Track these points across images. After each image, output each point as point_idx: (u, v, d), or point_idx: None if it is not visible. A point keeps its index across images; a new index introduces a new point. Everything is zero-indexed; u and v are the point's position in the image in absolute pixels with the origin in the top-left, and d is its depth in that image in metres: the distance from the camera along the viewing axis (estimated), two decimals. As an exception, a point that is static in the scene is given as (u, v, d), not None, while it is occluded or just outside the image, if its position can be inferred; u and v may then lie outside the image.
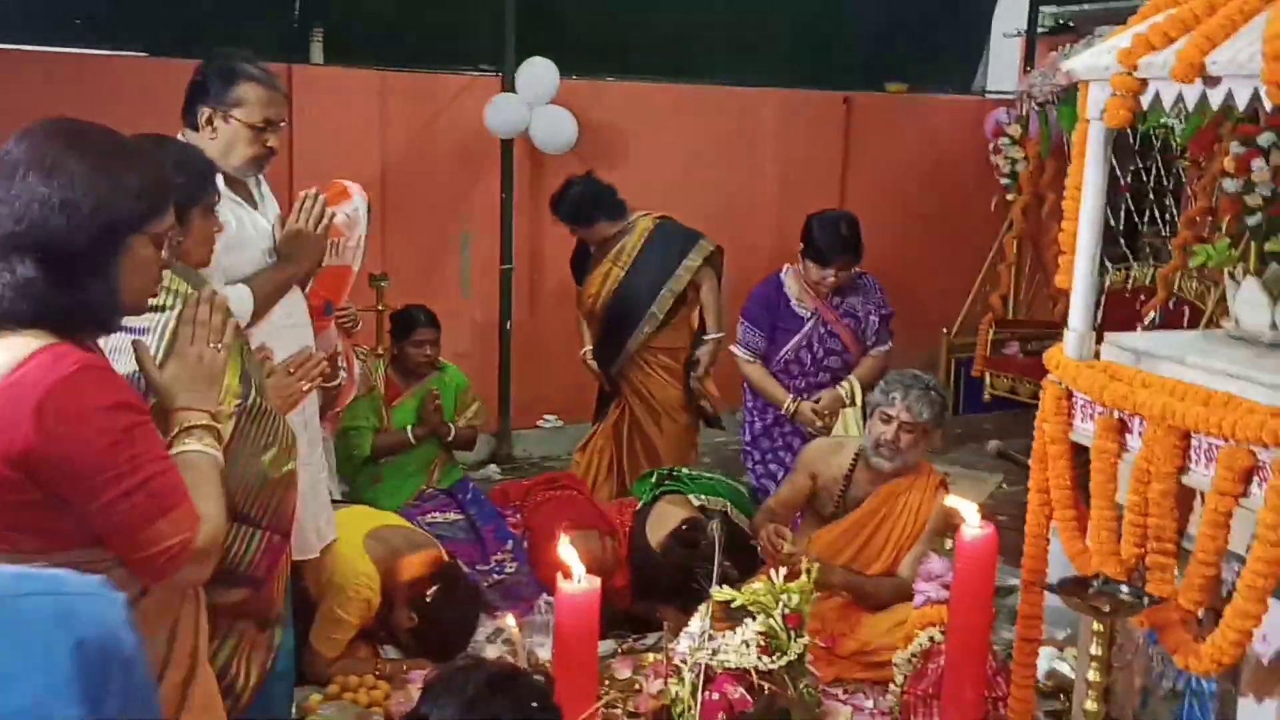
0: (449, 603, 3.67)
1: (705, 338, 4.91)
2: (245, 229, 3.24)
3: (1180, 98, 2.25)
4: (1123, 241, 7.05)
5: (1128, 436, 2.39)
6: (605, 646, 3.85)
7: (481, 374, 6.20)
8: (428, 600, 3.67)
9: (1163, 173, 7.02)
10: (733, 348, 4.74)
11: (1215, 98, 2.17)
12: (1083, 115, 2.49)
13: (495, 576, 4.09)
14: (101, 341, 1.96)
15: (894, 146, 7.27)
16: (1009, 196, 6.96)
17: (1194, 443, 2.24)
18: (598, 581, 2.67)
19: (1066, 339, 2.59)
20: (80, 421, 1.69)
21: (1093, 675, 2.22)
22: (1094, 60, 2.41)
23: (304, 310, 3.48)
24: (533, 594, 4.03)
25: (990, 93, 7.91)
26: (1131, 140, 6.68)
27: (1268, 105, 2.02)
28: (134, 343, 2.02)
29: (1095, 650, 2.22)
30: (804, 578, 3.41)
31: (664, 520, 4.15)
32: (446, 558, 3.82)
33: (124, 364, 2.08)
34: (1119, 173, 6.58)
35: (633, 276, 4.85)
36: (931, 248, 7.17)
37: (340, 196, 3.81)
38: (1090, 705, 2.24)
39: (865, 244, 4.62)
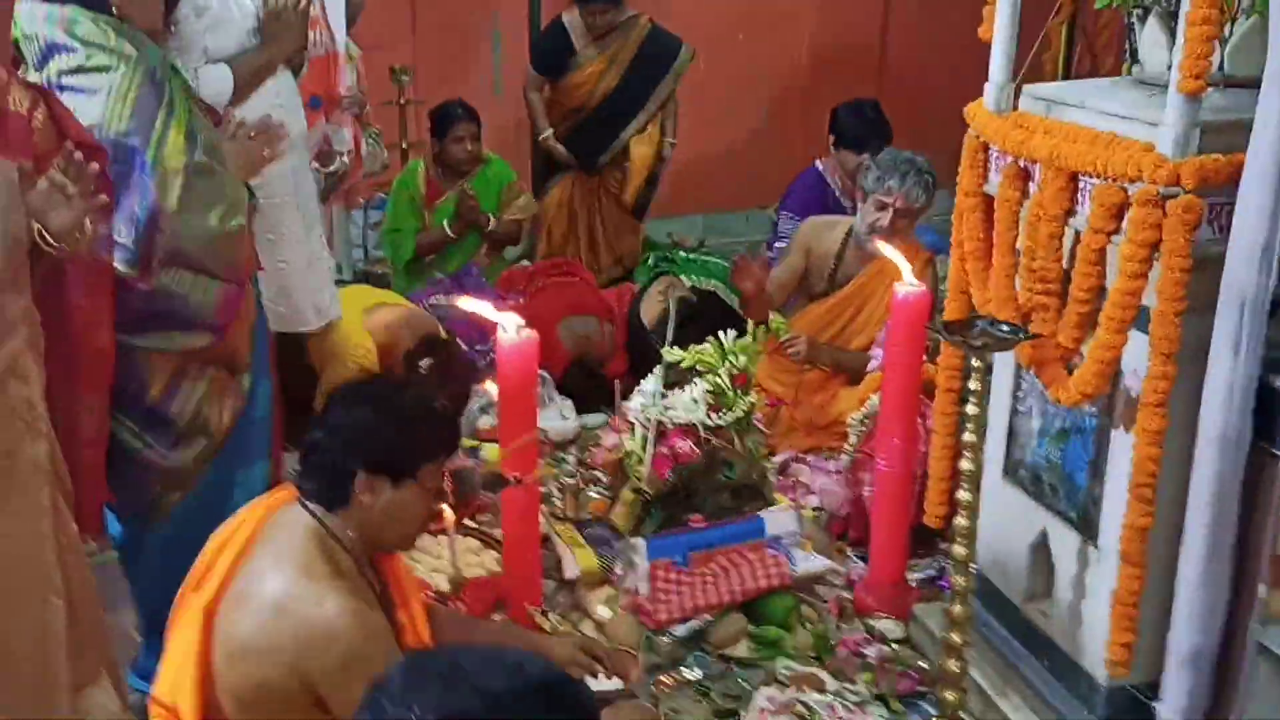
0: (442, 374, 3.89)
1: (667, 140, 5.27)
2: (228, 9, 3.31)
3: None
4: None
5: (1030, 185, 2.44)
6: (597, 419, 4.07)
7: (516, 171, 6.35)
8: (422, 371, 3.90)
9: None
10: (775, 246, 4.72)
11: None
12: None
13: (492, 356, 4.28)
14: None
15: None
16: (1057, -19, 6.70)
17: (1081, 185, 2.28)
18: (535, 335, 2.82)
19: (986, 91, 2.61)
20: None
21: (970, 409, 2.34)
22: None
23: (293, 92, 3.60)
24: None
25: None
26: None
27: None
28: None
29: (973, 385, 2.33)
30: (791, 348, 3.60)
31: (655, 302, 4.30)
32: (443, 334, 4.03)
33: None
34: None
35: (629, 75, 5.00)
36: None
37: None
38: (969, 437, 2.36)
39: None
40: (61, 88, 2.59)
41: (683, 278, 4.44)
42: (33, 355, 2.10)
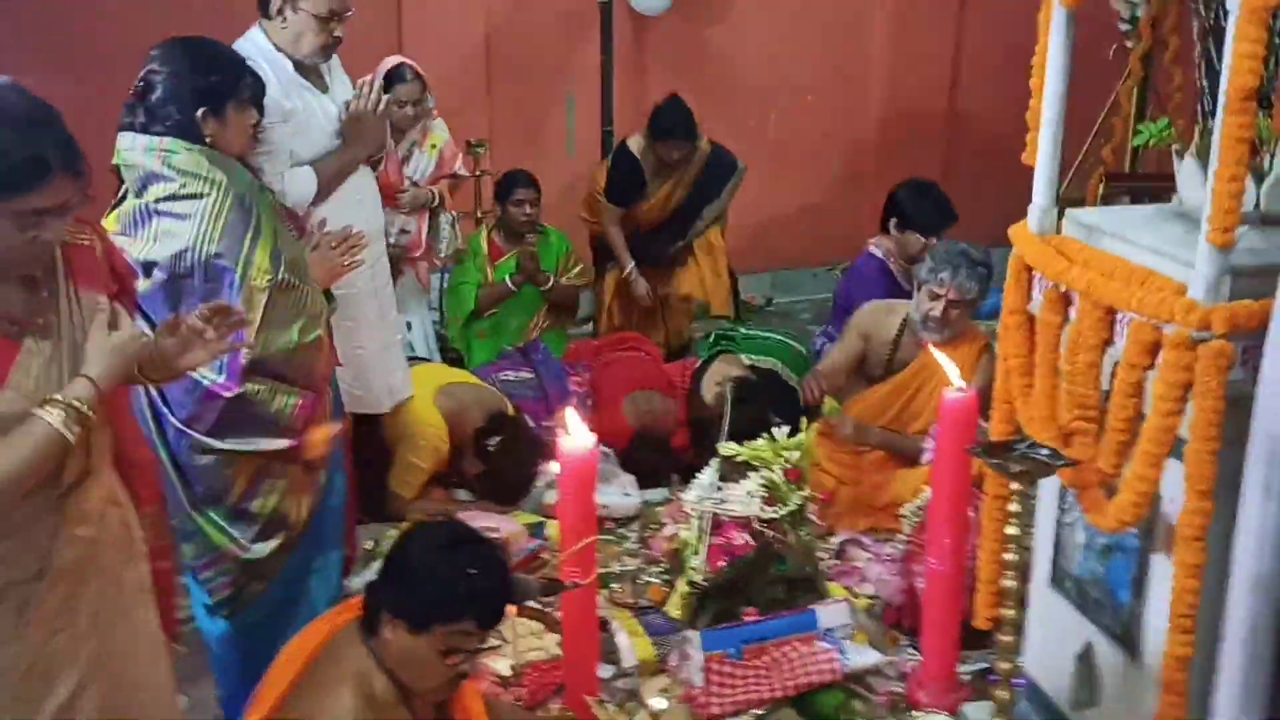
0: (511, 451, 4.05)
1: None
2: (313, 114, 3.54)
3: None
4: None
5: (1070, 309, 2.51)
6: (659, 494, 4.19)
7: (585, 231, 6.53)
8: (490, 449, 4.06)
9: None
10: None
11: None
12: (1046, -6, 2.56)
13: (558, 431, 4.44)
14: None
15: (1011, -2, 7.08)
16: (1128, 44, 6.71)
17: (1120, 317, 2.35)
18: (594, 440, 2.93)
19: (1030, 212, 2.69)
20: None
21: (1010, 530, 2.42)
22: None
23: (372, 188, 3.80)
24: (590, 446, 4.36)
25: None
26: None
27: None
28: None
29: (1013, 507, 2.41)
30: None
31: (716, 379, 4.41)
32: (512, 412, 4.19)
33: None
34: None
35: (692, 193, 5.31)
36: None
37: None
38: (1009, 556, 2.44)
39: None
40: (159, 213, 2.81)
41: (742, 357, 4.55)
42: (120, 481, 2.25)
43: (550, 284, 5.07)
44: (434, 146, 4.86)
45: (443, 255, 4.95)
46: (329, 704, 2.06)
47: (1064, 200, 6.54)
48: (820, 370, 4.28)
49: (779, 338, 4.77)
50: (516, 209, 5.13)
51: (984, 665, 3.27)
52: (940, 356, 3.16)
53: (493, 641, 2.17)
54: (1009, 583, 2.46)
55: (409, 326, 4.93)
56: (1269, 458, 2.06)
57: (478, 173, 5.71)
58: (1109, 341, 2.38)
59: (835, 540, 3.89)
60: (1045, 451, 2.40)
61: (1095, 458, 2.40)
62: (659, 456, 4.37)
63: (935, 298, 3.79)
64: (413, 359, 4.43)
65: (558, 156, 6.47)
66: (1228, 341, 2.11)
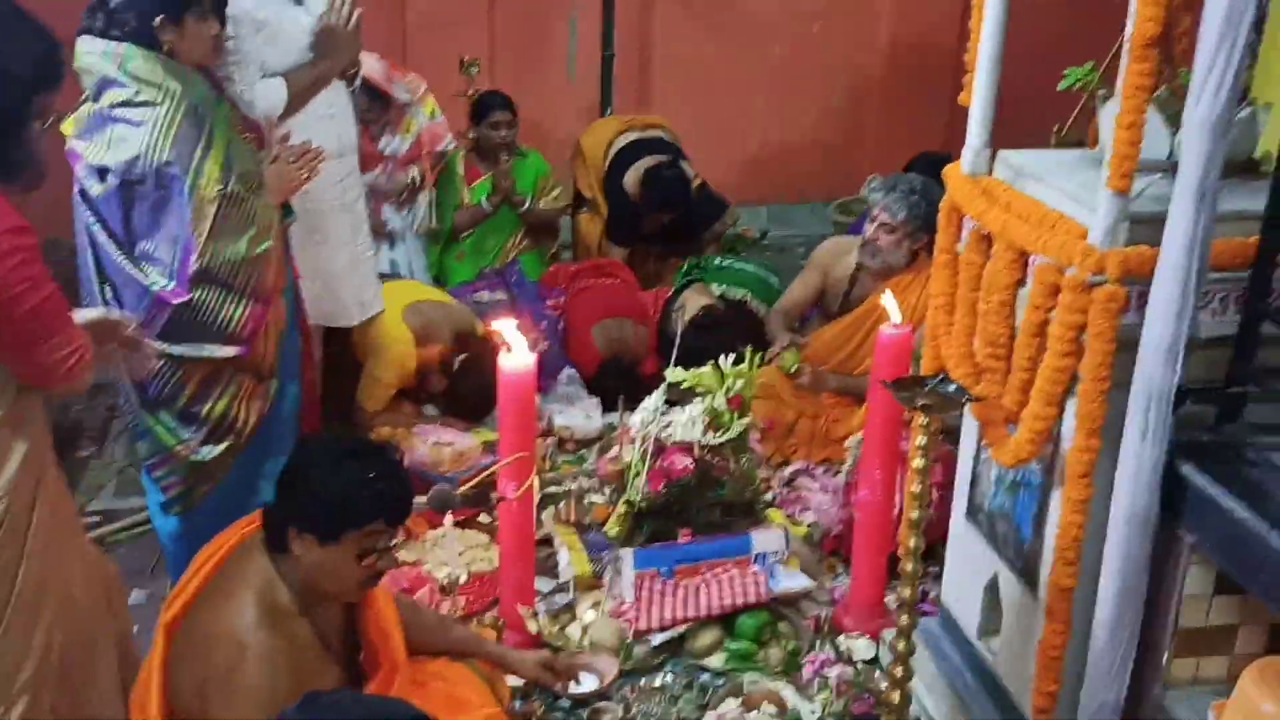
0: (475, 370, 4.13)
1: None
2: (285, 25, 3.56)
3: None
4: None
5: (991, 250, 2.55)
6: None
7: (566, 154, 6.55)
8: (455, 367, 4.15)
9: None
10: None
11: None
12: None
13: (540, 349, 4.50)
14: None
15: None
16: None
17: (1031, 259, 2.39)
18: (534, 358, 2.99)
19: (963, 154, 2.72)
20: (25, 229, 1.99)
21: (917, 462, 2.48)
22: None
23: (345, 102, 3.85)
24: (558, 369, 4.44)
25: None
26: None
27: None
28: None
29: (920, 440, 2.48)
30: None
31: (686, 309, 4.47)
32: (481, 332, 4.26)
33: None
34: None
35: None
36: (1052, 44, 6.92)
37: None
38: (914, 487, 2.51)
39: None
40: (114, 119, 2.88)
41: (712, 286, 4.60)
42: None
43: (526, 206, 5.09)
44: (408, 130, 4.77)
45: (416, 230, 4.88)
46: (231, 611, 2.14)
47: (1064, 142, 6.53)
48: (779, 305, 4.34)
49: (751, 269, 4.80)
50: (492, 131, 5.13)
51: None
52: (887, 296, 3.21)
53: (400, 537, 2.24)
54: (914, 513, 2.52)
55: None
56: (1146, 403, 2.11)
57: (470, 92, 5.74)
58: (1021, 282, 2.43)
59: (788, 470, 3.97)
60: (953, 387, 2.46)
61: (1001, 395, 2.46)
62: (627, 383, 4.43)
63: (872, 220, 3.85)
64: (389, 276, 4.50)
65: (557, 79, 6.48)
66: (1121, 286, 2.15)
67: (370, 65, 4.38)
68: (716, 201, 5.42)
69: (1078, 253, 2.19)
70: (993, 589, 2.77)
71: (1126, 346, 2.19)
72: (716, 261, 4.81)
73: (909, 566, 2.57)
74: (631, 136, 5.43)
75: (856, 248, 4.08)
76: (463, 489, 3.00)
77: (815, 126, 6.97)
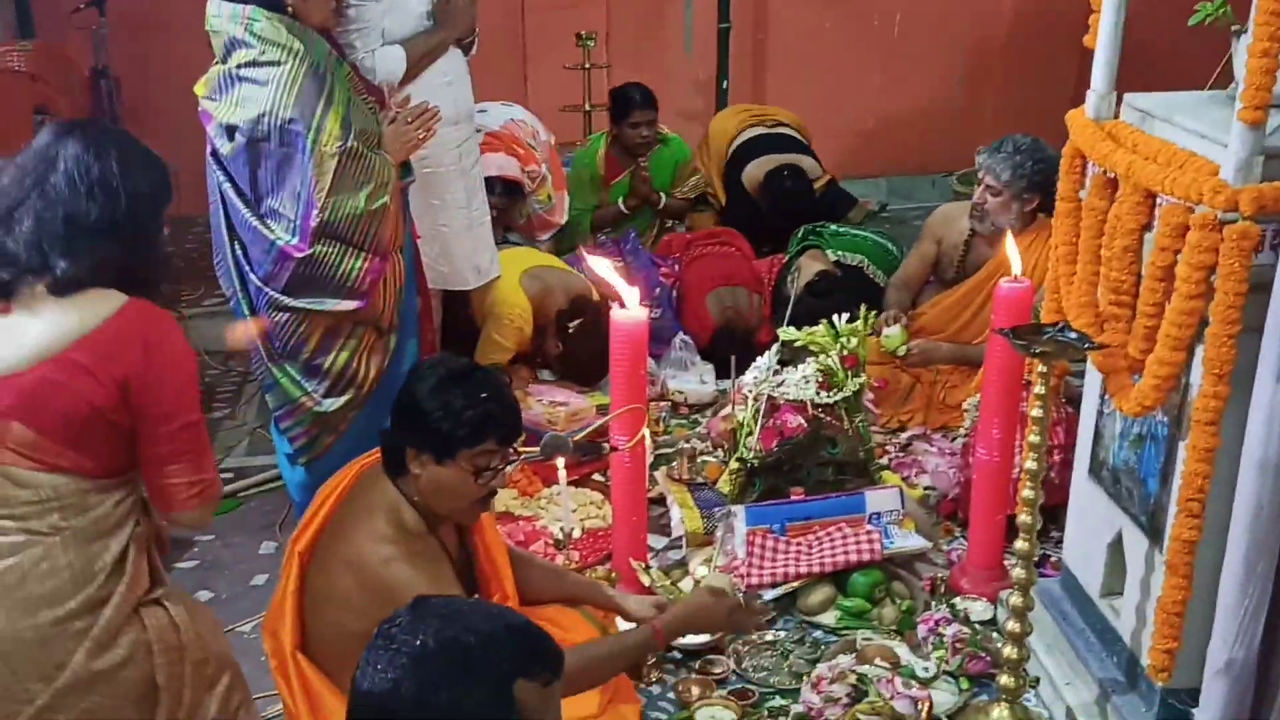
0: (591, 334, 4.16)
1: None
2: (405, -6, 3.65)
3: None
4: None
5: (1116, 194, 2.47)
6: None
7: (701, 130, 6.53)
8: (570, 331, 4.19)
9: None
10: None
11: None
12: None
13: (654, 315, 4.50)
14: None
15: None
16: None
17: (1159, 200, 2.32)
18: (645, 313, 3.00)
19: (1087, 97, 2.64)
20: (174, 358, 2.06)
21: (1035, 412, 2.42)
22: None
23: (463, 70, 3.91)
24: (672, 336, 4.44)
25: None
26: None
27: None
28: None
29: (1039, 389, 2.42)
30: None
31: (802, 274, 4.44)
32: (595, 297, 4.29)
33: None
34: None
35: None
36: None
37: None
38: (1033, 438, 2.45)
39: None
40: (241, 78, 2.98)
41: (827, 252, 4.55)
42: None
43: (662, 203, 5.09)
44: (549, 197, 4.85)
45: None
46: (365, 533, 2.23)
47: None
48: (896, 277, 4.27)
49: (869, 235, 4.74)
50: (633, 131, 5.07)
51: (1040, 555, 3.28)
52: (1010, 243, 3.14)
53: (512, 458, 2.30)
54: (1030, 464, 2.47)
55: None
56: (1282, 344, 2.02)
57: (586, 65, 5.77)
58: (1147, 226, 2.35)
59: (904, 435, 3.92)
60: (1074, 335, 2.39)
61: (1125, 343, 2.39)
62: (741, 350, 4.41)
63: (979, 185, 3.78)
64: (508, 243, 4.57)
65: (674, 52, 6.48)
66: (1254, 224, 2.07)
67: (501, 163, 4.53)
68: (845, 198, 5.38)
69: (1208, 189, 2.11)
70: (1117, 546, 2.69)
71: (1259, 288, 2.11)
72: (833, 228, 4.75)
73: (1025, 518, 2.51)
74: (756, 131, 5.42)
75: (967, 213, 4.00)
76: (577, 439, 3.03)
77: (934, 97, 6.83)
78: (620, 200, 5.09)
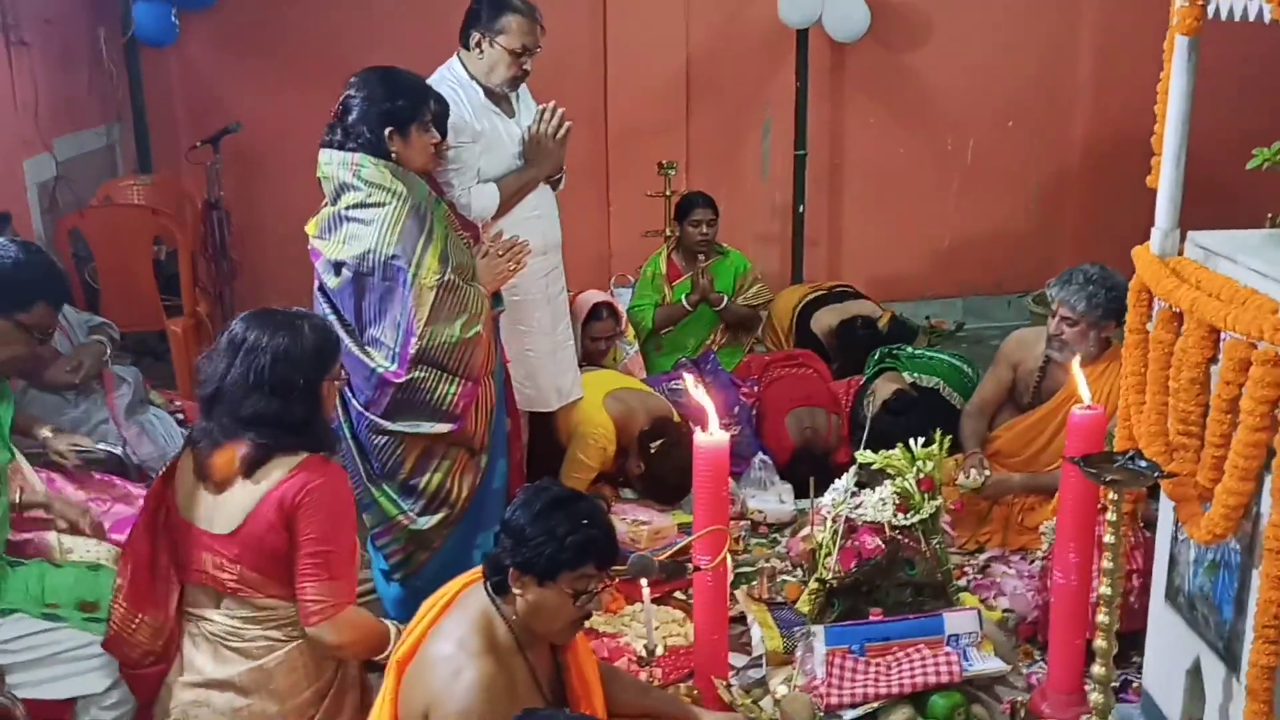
0: (672, 454, 4.28)
1: None
2: (499, 136, 3.90)
3: (1231, 10, 2.37)
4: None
5: (1182, 328, 2.56)
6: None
7: (778, 253, 6.72)
8: (653, 451, 4.32)
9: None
10: None
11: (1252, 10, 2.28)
12: (1170, 22, 2.62)
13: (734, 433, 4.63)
14: None
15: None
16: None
17: (1223, 336, 2.40)
18: (726, 436, 3.12)
19: (1152, 234, 2.75)
20: (337, 496, 2.62)
21: (1108, 538, 2.48)
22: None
23: (551, 204, 4.13)
24: (751, 454, 4.55)
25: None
26: None
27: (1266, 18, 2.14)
28: None
29: (1111, 516, 2.48)
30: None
31: (877, 396, 4.52)
32: (677, 419, 4.43)
33: None
34: None
35: None
36: (1244, 127, 6.73)
37: None
38: (1106, 564, 2.51)
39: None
40: (349, 219, 3.21)
41: (904, 374, 4.65)
42: None
43: (724, 305, 5.28)
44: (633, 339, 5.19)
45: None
46: (455, 642, 2.36)
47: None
48: (972, 404, 4.34)
49: (944, 357, 4.83)
50: (694, 229, 5.34)
51: (1114, 684, 3.29)
52: (1077, 371, 3.22)
53: (608, 582, 2.42)
54: (1105, 590, 2.52)
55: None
56: (1349, 473, 2.08)
57: (667, 193, 6.00)
58: (1212, 359, 2.43)
59: (983, 557, 3.96)
60: (1144, 463, 2.46)
61: (1195, 472, 2.45)
62: (819, 470, 4.49)
63: (1054, 317, 3.86)
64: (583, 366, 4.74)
65: (751, 179, 6.71)
66: (1314, 359, 2.15)
67: (599, 295, 4.97)
68: (907, 330, 5.57)
69: (1269, 326, 2.19)
70: (1195, 673, 2.71)
71: (1322, 421, 2.18)
72: (909, 350, 4.85)
73: (1101, 644, 2.55)
74: (817, 294, 5.72)
75: (1044, 338, 4.07)
76: (661, 558, 3.13)
77: (1009, 219, 6.95)
78: (683, 297, 5.28)
